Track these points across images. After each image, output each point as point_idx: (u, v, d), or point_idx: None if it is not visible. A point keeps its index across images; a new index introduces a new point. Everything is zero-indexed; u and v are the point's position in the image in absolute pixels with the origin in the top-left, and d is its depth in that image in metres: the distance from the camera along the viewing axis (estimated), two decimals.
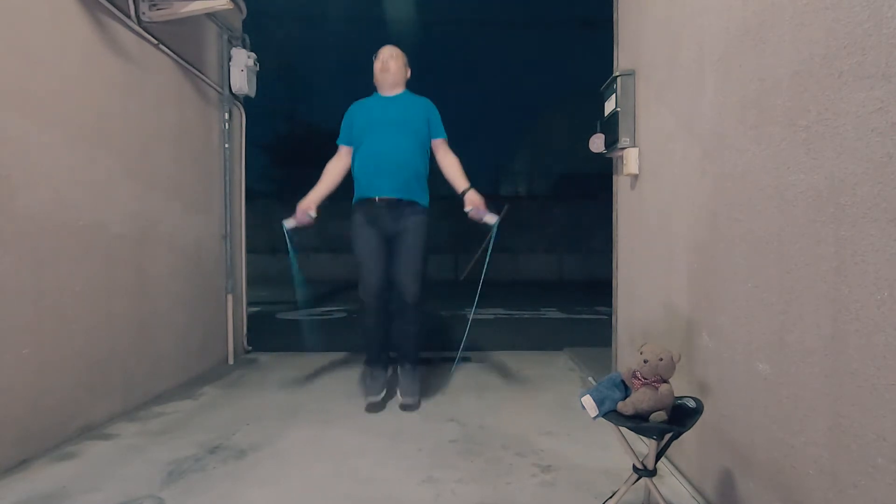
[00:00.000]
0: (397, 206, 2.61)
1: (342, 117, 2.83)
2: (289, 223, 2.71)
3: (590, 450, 2.15)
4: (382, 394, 2.72)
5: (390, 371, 2.88)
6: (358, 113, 2.76)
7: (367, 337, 2.76)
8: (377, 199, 2.61)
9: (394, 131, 2.62)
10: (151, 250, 2.85)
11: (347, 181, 2.86)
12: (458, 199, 2.69)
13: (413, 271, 2.60)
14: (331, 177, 2.79)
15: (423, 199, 2.69)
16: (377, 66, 2.74)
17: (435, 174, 2.79)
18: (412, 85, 2.88)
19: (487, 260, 2.77)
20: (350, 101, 2.86)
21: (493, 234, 2.64)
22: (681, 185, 1.89)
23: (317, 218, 2.72)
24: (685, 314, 1.85)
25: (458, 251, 11.72)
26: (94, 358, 2.40)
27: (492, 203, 2.67)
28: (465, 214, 2.68)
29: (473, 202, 2.62)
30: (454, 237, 11.48)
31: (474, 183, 2.73)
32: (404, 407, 2.62)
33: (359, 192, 2.69)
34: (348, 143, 2.77)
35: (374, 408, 2.62)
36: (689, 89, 1.80)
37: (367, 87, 2.92)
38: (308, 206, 2.70)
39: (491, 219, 2.62)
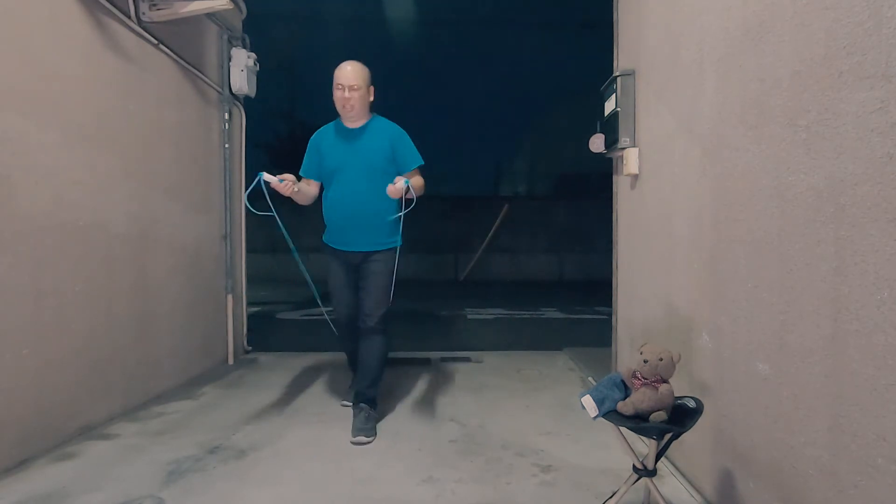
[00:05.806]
0: (364, 253, 2.58)
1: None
2: (266, 177, 2.34)
3: (590, 450, 2.15)
4: None
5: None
6: (323, 147, 2.59)
7: (346, 353, 2.92)
8: (346, 251, 2.58)
9: (361, 177, 2.48)
10: (151, 250, 2.85)
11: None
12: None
13: (375, 299, 2.55)
14: (305, 194, 2.60)
15: (392, 243, 2.60)
16: (337, 95, 2.44)
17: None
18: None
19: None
20: None
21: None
22: (681, 185, 1.89)
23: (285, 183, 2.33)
24: (685, 314, 1.85)
25: (458, 251, 11.72)
26: (94, 358, 2.40)
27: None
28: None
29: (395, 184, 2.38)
30: (454, 237, 11.48)
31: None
32: (356, 444, 2.31)
33: (328, 237, 2.64)
34: (316, 178, 2.62)
35: (347, 405, 2.69)
36: (689, 89, 1.80)
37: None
38: (289, 178, 2.36)
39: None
